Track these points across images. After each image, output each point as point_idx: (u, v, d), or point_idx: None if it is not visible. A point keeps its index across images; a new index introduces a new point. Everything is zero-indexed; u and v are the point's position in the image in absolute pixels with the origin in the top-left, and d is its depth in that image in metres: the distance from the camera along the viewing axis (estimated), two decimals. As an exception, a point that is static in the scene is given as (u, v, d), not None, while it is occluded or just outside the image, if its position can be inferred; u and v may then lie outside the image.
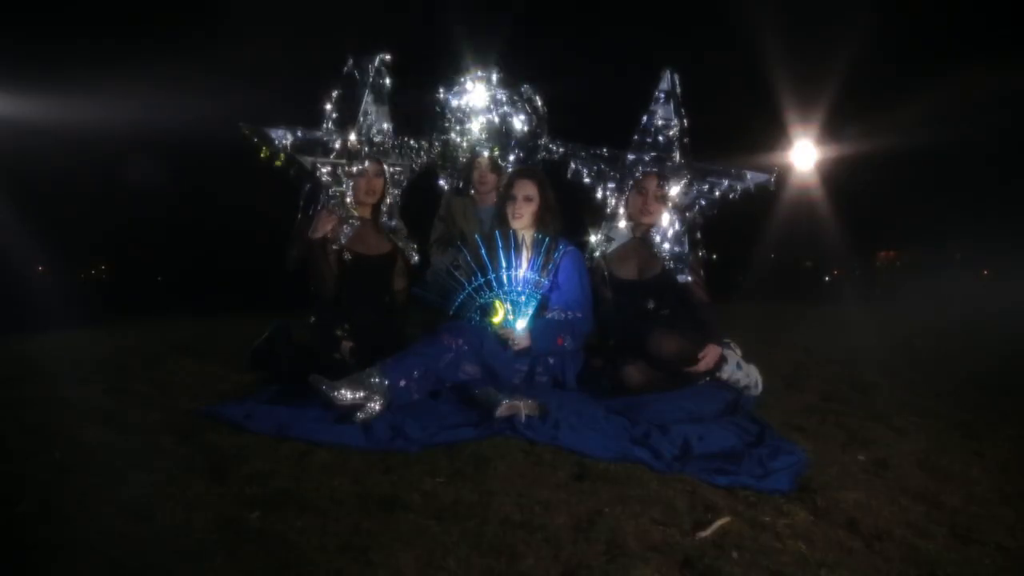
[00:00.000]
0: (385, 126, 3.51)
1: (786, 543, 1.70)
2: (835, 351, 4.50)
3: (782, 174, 3.73)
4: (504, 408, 2.61)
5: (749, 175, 3.45)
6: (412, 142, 3.71)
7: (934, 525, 1.83)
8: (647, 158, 3.44)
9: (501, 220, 3.36)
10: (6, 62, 8.53)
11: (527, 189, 3.30)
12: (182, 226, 15.76)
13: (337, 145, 3.35)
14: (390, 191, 3.52)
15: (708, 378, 3.17)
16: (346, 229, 3.36)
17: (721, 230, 3.58)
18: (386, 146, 3.50)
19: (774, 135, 11.43)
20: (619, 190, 3.50)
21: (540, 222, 3.32)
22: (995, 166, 13.53)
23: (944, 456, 2.36)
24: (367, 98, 3.40)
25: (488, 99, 3.80)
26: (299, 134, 3.30)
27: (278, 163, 3.32)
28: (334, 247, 3.34)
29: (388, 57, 3.45)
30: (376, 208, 3.51)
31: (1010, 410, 3.02)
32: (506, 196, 3.35)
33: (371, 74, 3.42)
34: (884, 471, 2.22)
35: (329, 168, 3.34)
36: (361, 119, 3.40)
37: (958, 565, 1.62)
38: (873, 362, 4.08)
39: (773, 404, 3.07)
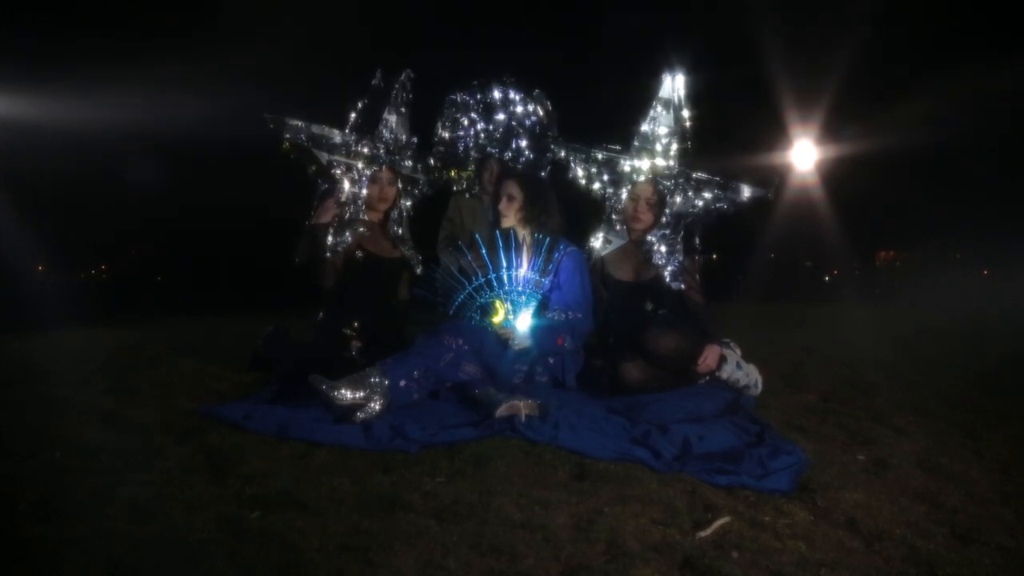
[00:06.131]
0: (404, 138, 3.56)
1: (786, 543, 1.70)
2: (835, 351, 4.49)
3: (780, 183, 3.68)
4: (504, 408, 2.61)
5: (746, 190, 3.41)
6: (432, 160, 3.76)
7: (934, 525, 1.83)
8: (644, 165, 3.43)
9: (496, 220, 3.38)
10: (7, 62, 8.53)
11: (509, 188, 3.33)
12: (182, 226, 15.76)
13: (353, 148, 3.41)
14: (402, 201, 3.58)
15: (708, 378, 3.17)
16: (348, 212, 3.37)
17: (721, 230, 3.57)
18: (403, 157, 3.55)
19: (774, 135, 11.43)
20: (616, 194, 3.49)
21: (526, 220, 3.33)
22: (995, 165, 13.53)
23: (944, 456, 2.36)
24: (389, 110, 3.48)
25: (500, 100, 3.84)
26: (315, 128, 3.35)
27: (292, 155, 3.38)
28: (340, 238, 3.35)
29: (412, 74, 3.54)
30: (387, 215, 3.56)
31: (1010, 410, 3.02)
32: (497, 196, 3.37)
33: (395, 88, 3.51)
34: (884, 471, 2.22)
35: (343, 167, 3.39)
36: (381, 127, 3.48)
37: (958, 565, 1.62)
38: (873, 362, 4.08)
39: (773, 404, 3.07)
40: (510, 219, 3.33)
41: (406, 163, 3.56)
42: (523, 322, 3.16)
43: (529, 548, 1.62)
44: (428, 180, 3.72)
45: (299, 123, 3.32)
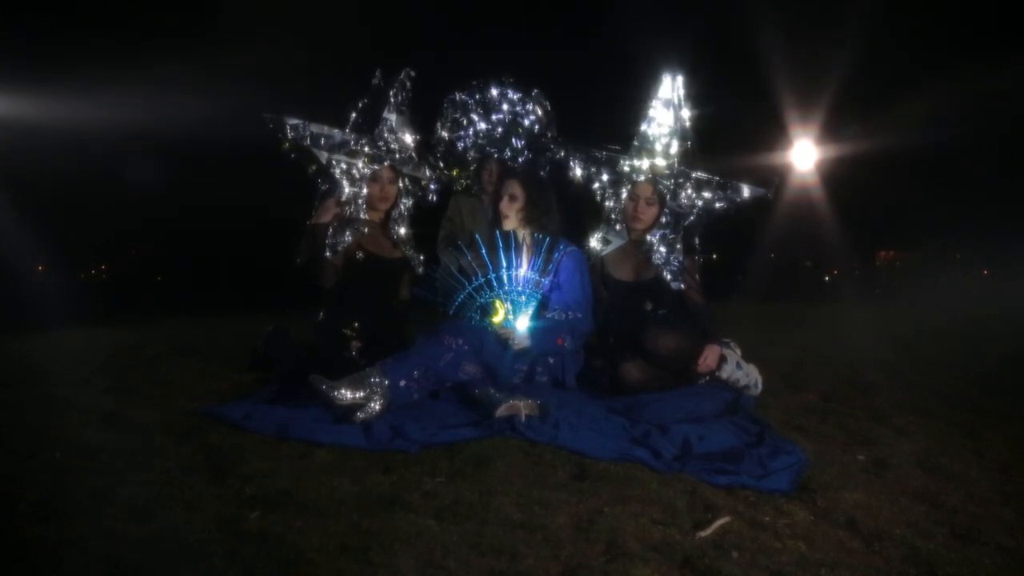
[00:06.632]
0: (406, 137, 3.53)
1: (786, 543, 1.70)
2: (835, 351, 4.50)
3: (780, 183, 3.68)
4: (504, 408, 2.61)
5: (747, 190, 3.40)
6: (433, 160, 3.75)
7: (934, 525, 1.83)
8: (643, 165, 3.43)
9: (496, 220, 3.38)
10: (7, 62, 8.53)
11: (511, 188, 3.32)
12: (182, 226, 15.77)
13: (353, 146, 3.40)
14: (403, 200, 3.56)
15: (708, 378, 3.17)
16: (348, 211, 3.36)
17: (721, 230, 3.57)
18: (404, 156, 3.53)
19: (774, 135, 11.43)
20: (615, 194, 3.49)
21: (527, 220, 3.32)
22: (995, 165, 13.53)
23: (944, 456, 2.36)
24: (389, 109, 3.47)
25: (499, 100, 3.84)
26: (315, 128, 3.34)
27: (293, 154, 3.37)
28: (340, 238, 3.34)
29: (413, 72, 3.52)
30: (388, 215, 3.55)
31: (1010, 410, 3.02)
32: (497, 196, 3.37)
33: (395, 86, 3.49)
34: (884, 471, 2.22)
35: (343, 167, 3.38)
36: (381, 127, 3.46)
37: (958, 565, 1.62)
38: (873, 362, 4.07)
39: (773, 404, 3.07)
40: (511, 219, 3.32)
41: (407, 161, 3.56)
42: (523, 322, 3.16)
43: (529, 548, 1.62)
44: (432, 178, 3.70)
45: (299, 123, 3.31)
